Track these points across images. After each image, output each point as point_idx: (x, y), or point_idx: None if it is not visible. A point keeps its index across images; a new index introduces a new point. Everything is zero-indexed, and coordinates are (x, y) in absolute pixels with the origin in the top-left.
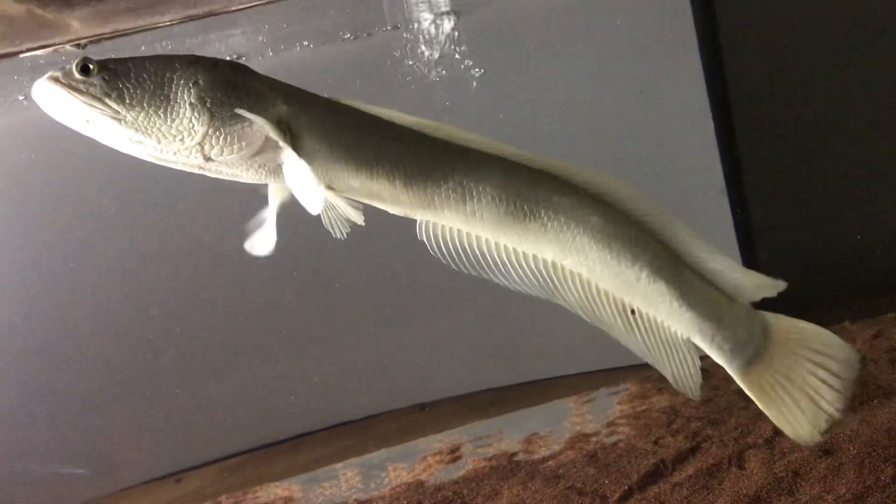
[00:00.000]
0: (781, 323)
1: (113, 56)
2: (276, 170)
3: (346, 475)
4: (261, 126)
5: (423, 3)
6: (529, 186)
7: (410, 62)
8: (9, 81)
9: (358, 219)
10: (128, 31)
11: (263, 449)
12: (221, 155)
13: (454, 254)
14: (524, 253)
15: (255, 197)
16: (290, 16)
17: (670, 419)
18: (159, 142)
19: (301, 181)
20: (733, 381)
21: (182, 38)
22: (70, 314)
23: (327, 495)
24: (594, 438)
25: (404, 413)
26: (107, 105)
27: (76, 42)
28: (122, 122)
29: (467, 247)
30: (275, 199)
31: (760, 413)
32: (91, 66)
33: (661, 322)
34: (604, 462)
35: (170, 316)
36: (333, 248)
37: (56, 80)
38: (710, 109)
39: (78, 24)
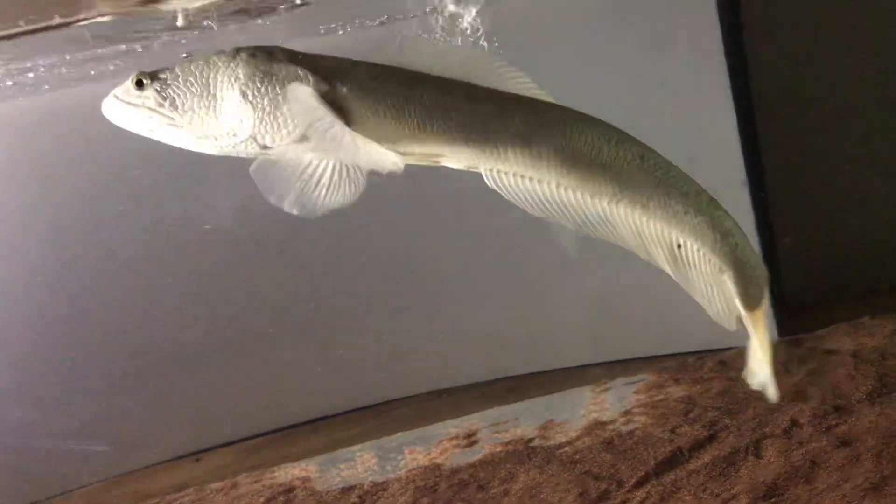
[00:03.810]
0: None
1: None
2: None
3: (363, 457)
4: (302, 108)
5: None
6: (587, 130)
7: None
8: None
9: (398, 162)
10: None
11: (281, 431)
12: (275, 142)
13: (523, 197)
14: (582, 195)
15: None
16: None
17: (687, 409)
18: (216, 139)
19: (360, 150)
20: None
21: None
22: (95, 293)
23: (344, 476)
24: (610, 426)
25: (420, 399)
26: (162, 114)
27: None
28: (180, 126)
29: (531, 191)
30: None
31: (778, 404)
32: (144, 81)
33: (703, 256)
34: (620, 449)
35: (193, 297)
36: (355, 233)
37: (117, 98)
38: (733, 102)
39: None
